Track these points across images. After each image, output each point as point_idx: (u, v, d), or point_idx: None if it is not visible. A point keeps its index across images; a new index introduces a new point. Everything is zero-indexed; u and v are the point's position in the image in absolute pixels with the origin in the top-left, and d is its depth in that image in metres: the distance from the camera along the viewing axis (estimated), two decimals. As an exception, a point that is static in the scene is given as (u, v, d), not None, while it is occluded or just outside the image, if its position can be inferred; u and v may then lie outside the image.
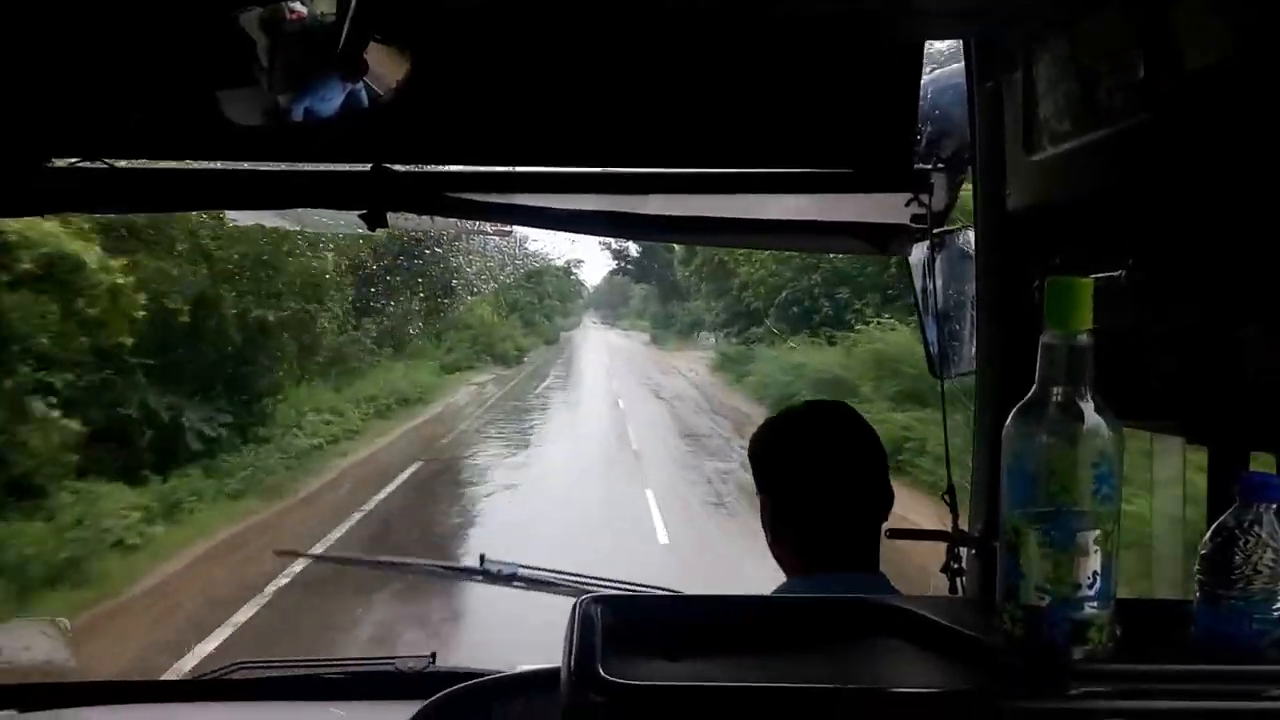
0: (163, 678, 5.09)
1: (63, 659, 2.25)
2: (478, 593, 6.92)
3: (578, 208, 1.95)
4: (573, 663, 0.86)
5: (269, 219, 2.47)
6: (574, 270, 58.79)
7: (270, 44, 1.65)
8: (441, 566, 3.07)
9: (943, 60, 2.02)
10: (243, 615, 7.88)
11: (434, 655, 2.29)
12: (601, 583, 2.26)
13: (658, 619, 1.01)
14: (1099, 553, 0.83)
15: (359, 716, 2.16)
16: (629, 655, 0.88)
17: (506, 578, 2.30)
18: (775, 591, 1.56)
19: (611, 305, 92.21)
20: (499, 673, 1.81)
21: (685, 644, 0.92)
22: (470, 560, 2.67)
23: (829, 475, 1.56)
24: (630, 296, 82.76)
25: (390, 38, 1.68)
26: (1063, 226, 1.58)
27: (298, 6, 1.67)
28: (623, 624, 0.93)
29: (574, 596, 1.11)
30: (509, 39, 1.69)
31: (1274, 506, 0.85)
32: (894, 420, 12.77)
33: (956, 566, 1.91)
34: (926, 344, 2.17)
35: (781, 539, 1.60)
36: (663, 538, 10.58)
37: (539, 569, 2.31)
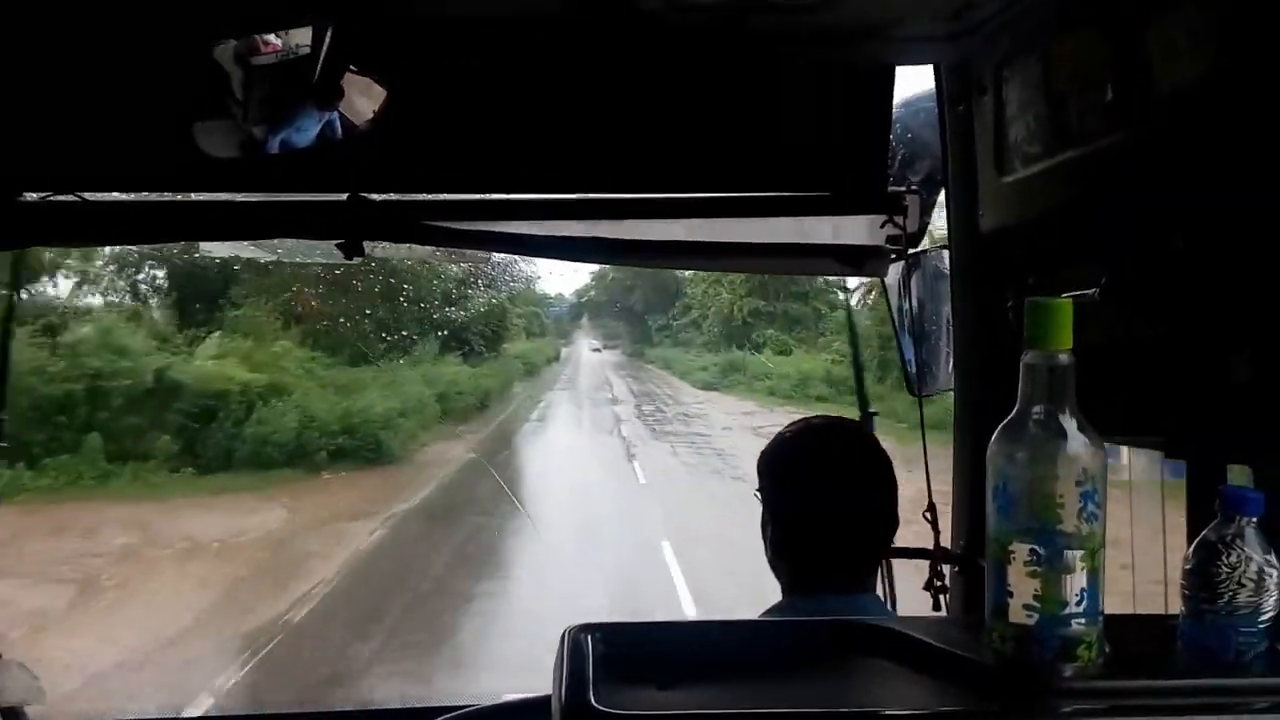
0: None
1: (36, 699, 2.20)
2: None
3: (556, 233, 1.95)
4: (564, 693, 0.86)
5: (244, 249, 2.45)
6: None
7: (245, 76, 1.65)
8: None
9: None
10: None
11: None
12: None
13: (647, 646, 1.00)
14: (1085, 570, 0.83)
15: None
16: (620, 684, 0.87)
17: None
18: (768, 612, 1.55)
19: (631, 314, 40.44)
20: (482, 705, 1.79)
21: (676, 671, 0.91)
22: None
23: (833, 498, 1.53)
24: (684, 293, 34.46)
25: (365, 67, 1.68)
26: (1035, 246, 1.60)
27: (272, 39, 1.67)
28: (613, 652, 0.93)
29: None
30: (486, 68, 1.70)
31: (1254, 519, 0.86)
32: None
33: (940, 584, 1.91)
34: (904, 362, 2.19)
35: (781, 556, 1.58)
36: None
37: None
